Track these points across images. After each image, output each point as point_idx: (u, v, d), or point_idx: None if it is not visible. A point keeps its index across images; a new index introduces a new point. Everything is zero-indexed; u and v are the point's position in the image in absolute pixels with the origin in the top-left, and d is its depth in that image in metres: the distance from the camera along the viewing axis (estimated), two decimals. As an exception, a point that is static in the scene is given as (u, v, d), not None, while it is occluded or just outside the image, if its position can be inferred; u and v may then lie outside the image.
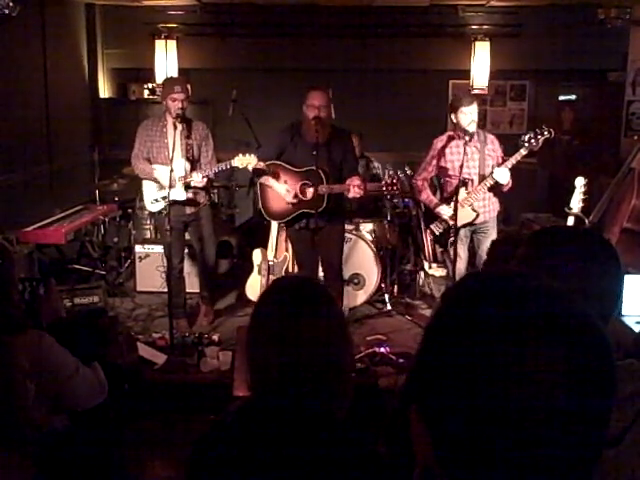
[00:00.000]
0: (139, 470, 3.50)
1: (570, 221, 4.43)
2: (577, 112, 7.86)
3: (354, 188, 4.29)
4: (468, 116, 4.44)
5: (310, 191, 4.40)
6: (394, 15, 7.35)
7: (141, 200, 5.22)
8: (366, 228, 5.65)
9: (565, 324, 0.71)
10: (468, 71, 7.48)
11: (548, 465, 0.70)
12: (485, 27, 7.47)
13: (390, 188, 4.44)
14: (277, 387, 1.38)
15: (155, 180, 4.73)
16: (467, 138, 4.43)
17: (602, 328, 0.73)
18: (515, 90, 7.92)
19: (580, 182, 4.42)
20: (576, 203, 4.41)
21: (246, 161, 4.49)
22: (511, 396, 0.68)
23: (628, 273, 3.33)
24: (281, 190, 4.50)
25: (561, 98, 8.00)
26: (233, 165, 4.58)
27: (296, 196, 4.46)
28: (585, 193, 4.41)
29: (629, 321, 3.20)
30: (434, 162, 4.74)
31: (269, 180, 4.53)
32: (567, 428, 0.69)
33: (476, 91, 7.35)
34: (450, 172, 4.65)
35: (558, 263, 1.31)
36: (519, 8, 7.31)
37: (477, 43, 7.42)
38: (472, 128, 4.45)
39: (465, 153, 4.47)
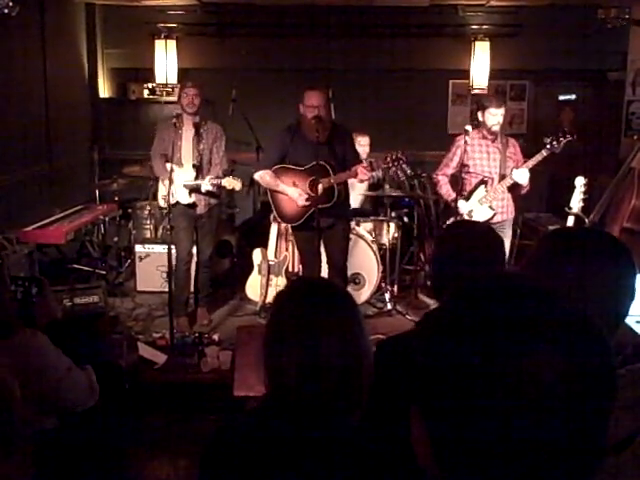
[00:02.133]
0: (139, 470, 3.50)
1: (570, 221, 4.44)
2: (577, 112, 7.87)
3: (361, 169, 4.29)
4: (495, 117, 4.59)
5: (320, 186, 4.38)
6: (394, 15, 7.35)
7: (155, 197, 5.39)
8: (366, 228, 5.65)
9: (565, 325, 0.71)
10: (468, 71, 7.47)
11: (547, 467, 0.69)
12: (485, 27, 7.47)
13: (396, 162, 4.39)
14: (295, 388, 1.37)
15: (170, 181, 4.81)
16: (490, 137, 4.66)
17: (602, 329, 0.73)
18: (515, 90, 7.92)
19: (580, 182, 4.44)
20: (576, 203, 4.42)
21: (232, 184, 4.77)
22: (510, 397, 0.68)
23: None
24: (293, 194, 4.48)
25: (561, 98, 8.01)
26: (222, 184, 4.80)
27: (308, 196, 4.44)
28: (585, 193, 4.42)
29: (629, 321, 3.20)
30: (456, 158, 4.80)
31: (279, 185, 4.53)
32: (567, 430, 0.69)
33: (476, 91, 7.36)
34: (470, 169, 4.71)
35: (570, 265, 1.31)
36: (519, 8, 7.30)
37: (477, 43, 7.42)
38: (496, 128, 4.64)
39: (487, 152, 4.68)
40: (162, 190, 4.94)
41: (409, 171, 6.22)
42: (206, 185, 4.74)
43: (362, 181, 4.40)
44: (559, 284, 0.79)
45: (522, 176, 4.55)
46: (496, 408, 0.69)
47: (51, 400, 2.14)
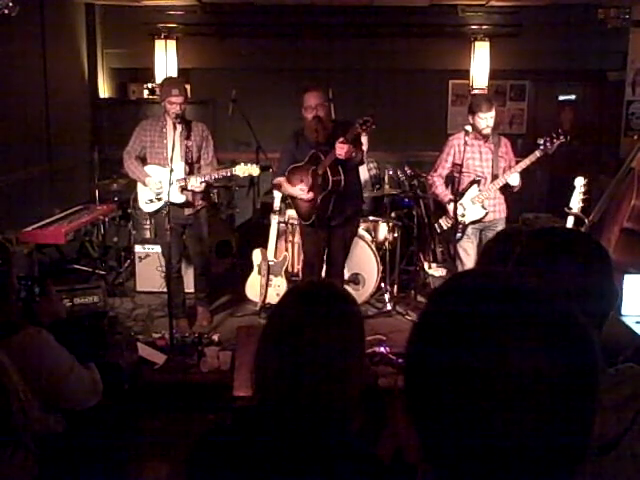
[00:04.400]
0: (139, 470, 3.50)
1: (570, 221, 4.44)
2: (577, 112, 7.87)
3: (337, 145, 4.22)
4: (484, 121, 4.66)
5: (318, 177, 4.39)
6: (394, 15, 7.35)
7: (136, 200, 5.18)
8: (366, 228, 5.64)
9: (550, 323, 0.72)
10: (468, 71, 7.48)
11: (532, 464, 0.70)
12: (485, 27, 7.47)
13: (365, 127, 4.24)
14: (277, 390, 1.36)
15: (144, 184, 4.73)
16: (483, 138, 4.73)
17: (587, 327, 0.73)
18: (515, 90, 7.92)
19: (580, 182, 4.45)
20: (576, 203, 4.43)
21: (248, 171, 4.67)
22: (496, 394, 0.69)
23: (628, 273, 3.33)
24: (296, 192, 4.54)
25: (561, 98, 8.01)
26: (234, 173, 4.71)
27: (310, 189, 4.43)
28: (585, 193, 4.43)
29: (629, 321, 3.20)
30: (450, 158, 4.87)
31: (287, 189, 4.58)
32: (552, 426, 0.69)
33: (476, 91, 7.35)
34: (463, 169, 4.77)
35: (552, 264, 1.32)
36: (519, 8, 7.30)
37: (477, 43, 7.42)
38: (487, 132, 4.71)
39: (480, 152, 4.76)
40: (145, 194, 4.80)
41: (409, 171, 6.23)
42: (201, 178, 4.61)
43: (342, 156, 4.25)
44: (549, 283, 0.79)
45: (514, 179, 4.70)
46: (483, 405, 0.69)
47: (56, 397, 2.14)
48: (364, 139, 5.53)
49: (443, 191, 4.91)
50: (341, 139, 4.24)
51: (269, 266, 5.24)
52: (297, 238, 5.46)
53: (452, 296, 0.78)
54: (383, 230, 5.67)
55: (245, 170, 4.65)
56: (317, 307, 1.41)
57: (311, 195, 4.43)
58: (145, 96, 7.57)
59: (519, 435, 0.68)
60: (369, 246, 5.41)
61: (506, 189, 4.78)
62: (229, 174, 4.74)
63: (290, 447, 1.31)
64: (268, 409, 1.36)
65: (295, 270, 5.52)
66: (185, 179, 4.66)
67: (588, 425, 0.72)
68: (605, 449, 1.14)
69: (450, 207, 4.79)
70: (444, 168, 4.91)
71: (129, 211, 6.13)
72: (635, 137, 5.65)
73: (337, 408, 1.36)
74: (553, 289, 0.76)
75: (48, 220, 5.37)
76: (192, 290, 5.25)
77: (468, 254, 4.84)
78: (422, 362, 0.75)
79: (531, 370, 0.68)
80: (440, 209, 5.01)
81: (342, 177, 4.43)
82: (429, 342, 0.75)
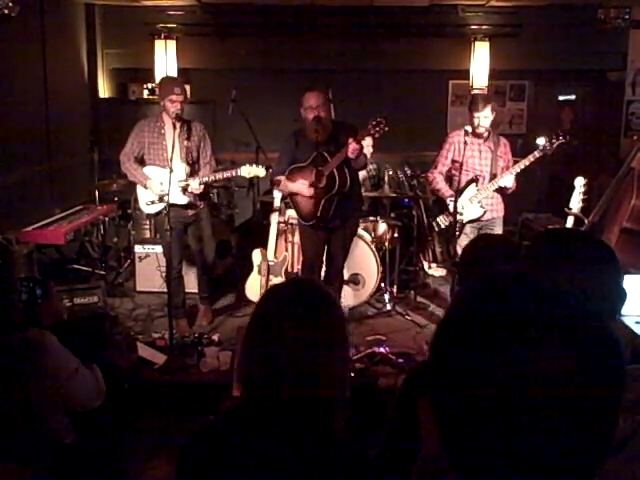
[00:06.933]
0: (139, 470, 3.50)
1: (570, 221, 4.45)
2: (577, 112, 7.87)
3: (351, 146, 4.23)
4: (477, 119, 4.68)
5: (323, 177, 4.39)
6: (394, 15, 7.35)
7: (136, 200, 5.15)
8: (366, 228, 5.64)
9: (578, 324, 0.72)
10: (468, 71, 7.48)
11: (554, 462, 0.70)
12: (485, 27, 7.47)
13: (378, 128, 4.30)
14: (261, 386, 1.37)
15: (144, 187, 4.70)
16: (482, 138, 4.74)
17: (612, 329, 0.73)
18: (514, 90, 7.92)
19: (580, 182, 4.45)
20: (576, 203, 4.43)
21: (254, 172, 4.63)
22: (522, 394, 0.69)
23: (628, 273, 3.33)
24: (300, 188, 4.49)
25: (561, 98, 8.01)
26: (240, 174, 4.68)
27: (313, 185, 4.41)
28: (585, 193, 4.44)
29: (629, 321, 3.20)
30: (450, 155, 4.88)
31: (288, 186, 4.55)
32: (575, 425, 0.69)
33: (476, 91, 7.35)
34: (462, 167, 4.74)
35: (558, 265, 1.32)
36: (519, 8, 7.30)
37: (477, 43, 7.42)
38: (480, 130, 4.72)
39: (479, 151, 4.77)
40: (145, 196, 4.77)
41: (409, 171, 6.23)
42: (201, 180, 4.60)
43: (353, 155, 4.27)
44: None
45: (507, 181, 4.70)
46: (510, 404, 0.69)
47: (60, 400, 2.14)
48: (369, 142, 5.55)
49: (444, 186, 4.90)
50: (351, 139, 4.24)
51: (269, 266, 5.24)
52: (297, 238, 5.46)
53: (478, 297, 0.78)
54: (383, 230, 5.66)
55: (251, 171, 4.63)
56: (297, 303, 1.42)
57: (312, 191, 4.41)
58: (145, 96, 7.57)
59: (544, 432, 0.69)
60: (369, 246, 5.41)
61: (501, 190, 4.78)
62: (234, 175, 4.73)
63: (276, 444, 1.32)
64: (254, 407, 1.37)
65: (295, 270, 5.52)
66: (186, 179, 4.66)
67: (612, 428, 0.73)
68: (614, 450, 1.14)
69: (451, 204, 4.78)
70: (444, 165, 4.92)
71: (129, 211, 6.13)
72: (635, 137, 5.65)
73: (321, 404, 1.36)
74: (580, 292, 0.76)
75: (48, 220, 5.37)
76: (194, 290, 5.26)
77: None
78: (447, 364, 0.75)
79: (561, 373, 0.68)
80: (438, 207, 5.00)
81: (348, 178, 4.44)
82: (455, 344, 0.75)
